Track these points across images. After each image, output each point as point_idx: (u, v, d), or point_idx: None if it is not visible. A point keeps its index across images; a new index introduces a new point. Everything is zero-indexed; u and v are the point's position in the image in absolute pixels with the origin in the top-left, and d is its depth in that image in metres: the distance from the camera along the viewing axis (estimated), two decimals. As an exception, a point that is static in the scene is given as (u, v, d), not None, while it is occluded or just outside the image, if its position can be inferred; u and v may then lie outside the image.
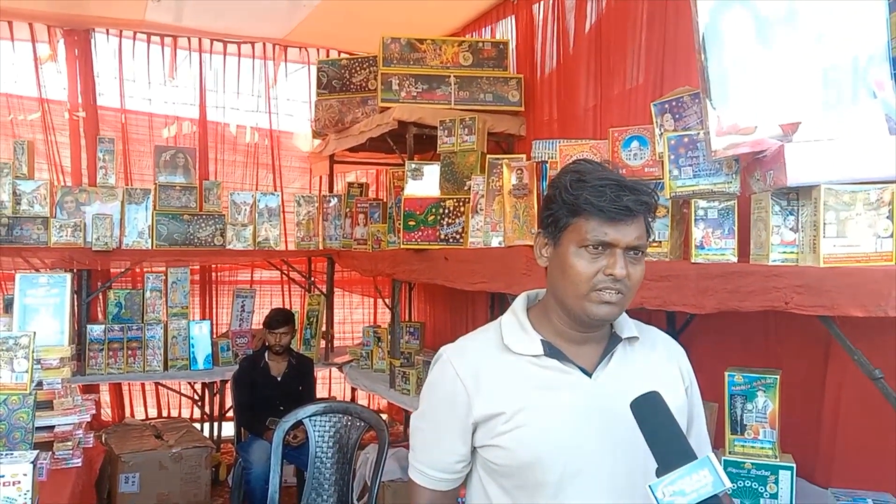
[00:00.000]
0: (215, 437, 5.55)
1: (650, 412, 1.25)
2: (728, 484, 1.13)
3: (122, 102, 6.02)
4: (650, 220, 1.42)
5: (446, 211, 3.84)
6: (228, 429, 5.57)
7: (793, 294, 1.84)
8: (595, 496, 1.38)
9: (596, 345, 1.47)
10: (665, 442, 1.21)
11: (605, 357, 1.46)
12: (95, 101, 5.92)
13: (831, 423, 2.68)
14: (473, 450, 1.49)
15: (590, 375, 1.44)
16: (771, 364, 2.82)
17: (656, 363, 1.51)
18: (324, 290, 6.01)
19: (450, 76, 4.56)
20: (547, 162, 2.97)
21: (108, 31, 5.93)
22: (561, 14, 4.33)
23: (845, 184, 1.80)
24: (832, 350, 2.67)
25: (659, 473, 1.17)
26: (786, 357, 2.82)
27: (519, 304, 1.55)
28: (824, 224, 1.80)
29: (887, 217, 1.79)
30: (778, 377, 2.12)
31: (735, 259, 2.16)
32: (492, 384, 1.44)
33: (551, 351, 1.44)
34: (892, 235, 1.79)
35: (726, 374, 2.18)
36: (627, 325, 1.51)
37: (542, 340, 1.45)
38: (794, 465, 2.10)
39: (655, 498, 1.14)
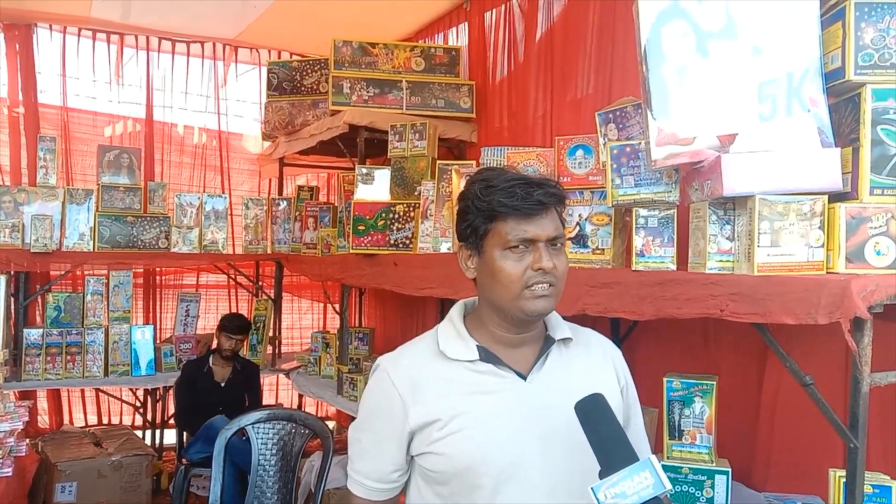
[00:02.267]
0: (157, 445, 5.42)
1: (593, 414, 1.26)
2: (668, 486, 1.14)
3: (64, 100, 5.86)
4: (561, 211, 1.45)
5: (396, 216, 3.83)
6: (171, 436, 5.44)
7: (728, 302, 1.88)
8: (531, 499, 1.38)
9: (530, 348, 1.48)
10: (607, 444, 1.21)
11: (540, 359, 1.47)
12: (36, 99, 5.74)
13: (767, 427, 2.75)
14: (411, 459, 1.48)
15: (525, 378, 1.44)
16: (711, 370, 2.88)
17: (591, 364, 1.53)
18: (272, 294, 5.93)
19: (402, 81, 4.56)
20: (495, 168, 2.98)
21: (51, 26, 5.77)
22: (512, 22, 4.37)
23: (779, 195, 1.85)
24: (769, 357, 2.73)
25: (601, 475, 1.18)
26: (725, 363, 2.88)
27: (455, 311, 1.55)
28: (759, 234, 1.84)
29: (819, 227, 1.84)
30: (714, 383, 2.16)
31: (674, 267, 2.20)
32: (428, 392, 1.43)
33: (486, 356, 1.44)
34: (823, 245, 1.84)
35: (664, 379, 2.21)
36: (560, 327, 1.52)
37: (477, 346, 1.46)
38: (730, 470, 2.14)
39: (597, 500, 1.15)
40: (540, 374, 1.46)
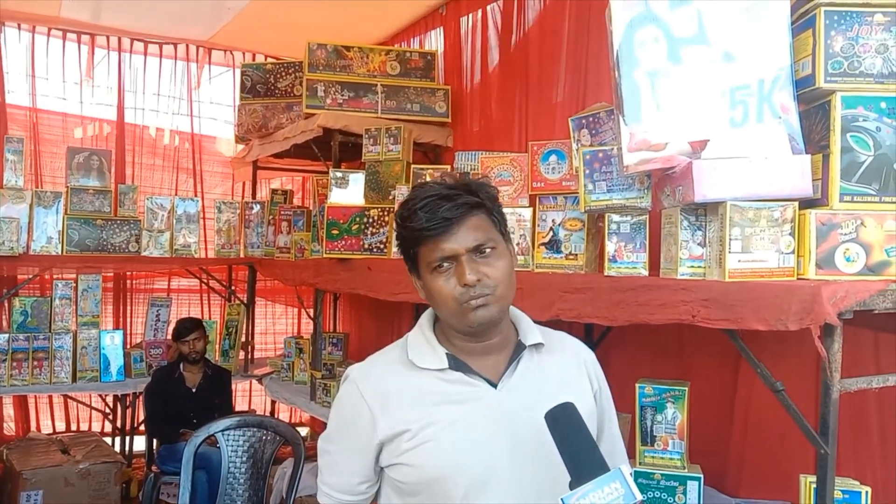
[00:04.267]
0: (127, 452, 5.32)
1: (563, 423, 1.24)
2: (639, 496, 1.13)
3: (33, 101, 5.74)
4: (490, 211, 1.41)
5: (370, 220, 3.80)
6: (141, 443, 5.35)
7: (699, 308, 1.88)
8: None
9: (501, 354, 1.46)
10: (577, 454, 1.20)
11: (511, 366, 1.44)
12: (4, 99, 5.62)
13: (740, 433, 2.76)
14: (380, 470, 1.46)
15: (495, 386, 1.42)
16: (685, 376, 2.88)
17: (564, 369, 1.50)
18: (244, 299, 5.86)
19: (377, 85, 4.53)
20: (469, 173, 2.97)
21: (19, 25, 5.65)
22: (488, 28, 4.37)
23: (750, 201, 1.85)
24: (742, 363, 2.74)
25: (572, 486, 1.16)
26: (698, 369, 2.89)
27: (425, 319, 1.53)
28: (730, 240, 1.84)
29: (789, 234, 1.85)
30: (686, 389, 2.16)
31: (646, 273, 2.20)
32: (397, 402, 1.41)
33: (456, 364, 1.42)
34: (793, 252, 1.85)
35: (637, 385, 2.21)
36: (532, 332, 1.49)
37: (447, 354, 1.43)
38: (702, 476, 2.14)
39: None
40: (511, 381, 1.44)
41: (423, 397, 1.41)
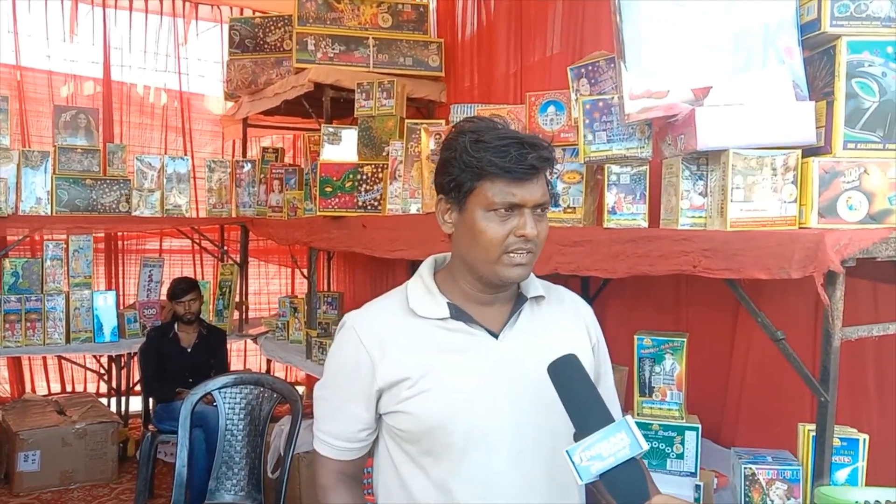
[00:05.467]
0: (123, 412, 5.34)
1: (567, 375, 1.22)
2: (645, 446, 1.12)
3: (17, 59, 5.62)
4: (549, 175, 1.39)
5: (364, 177, 3.75)
6: (136, 403, 5.36)
7: (700, 258, 1.86)
8: (501, 456, 1.35)
9: (503, 305, 1.44)
10: (582, 405, 1.18)
11: (512, 317, 1.43)
12: (-13, 57, 5.51)
13: (737, 385, 2.77)
14: (379, 417, 1.44)
15: (496, 337, 1.41)
16: (682, 328, 2.89)
17: (563, 322, 1.49)
18: (237, 259, 5.83)
19: (368, 38, 4.44)
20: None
21: (0, -19, 5.51)
22: (482, -22, 4.27)
23: (753, 149, 1.82)
24: (740, 315, 2.75)
25: (576, 438, 1.15)
26: (695, 321, 2.89)
27: (425, 268, 1.50)
28: (732, 188, 1.82)
29: (792, 182, 1.82)
30: (685, 340, 2.16)
31: (646, 224, 2.17)
32: (397, 349, 1.39)
33: (457, 313, 1.40)
34: (795, 200, 1.82)
35: (635, 337, 2.20)
36: (533, 285, 1.48)
37: (448, 303, 1.41)
38: (700, 426, 2.15)
39: (573, 462, 1.12)
40: (512, 332, 1.42)
41: (424, 345, 1.39)
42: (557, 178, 2.46)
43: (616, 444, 1.10)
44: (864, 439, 1.80)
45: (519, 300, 1.46)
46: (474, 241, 1.35)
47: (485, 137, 1.33)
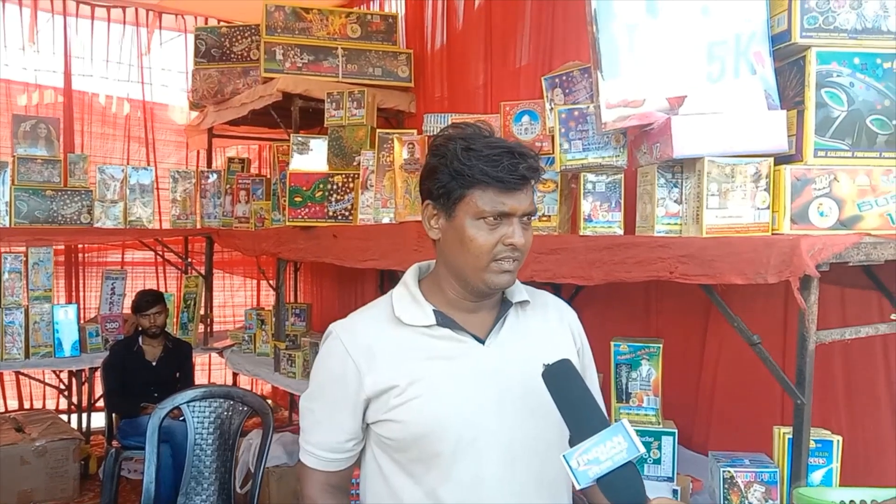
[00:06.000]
0: (84, 429, 5.20)
1: (562, 380, 1.23)
2: (642, 449, 1.12)
3: (-27, 67, 5.49)
4: (535, 185, 1.42)
5: (335, 187, 3.73)
6: (98, 420, 5.24)
7: (677, 264, 1.88)
8: (491, 463, 1.35)
9: (488, 312, 1.45)
10: (578, 410, 1.18)
11: (498, 323, 1.43)
12: (-58, 65, 5.37)
13: (708, 390, 2.81)
14: (366, 427, 1.43)
15: (483, 343, 1.41)
16: (653, 336, 2.92)
17: (548, 326, 1.50)
18: (202, 271, 5.73)
19: (337, 48, 4.43)
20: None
21: (-45, -13, 5.38)
22: (450, -11, 4.29)
23: (727, 157, 1.86)
24: (710, 322, 2.79)
25: (572, 442, 1.15)
26: (666, 329, 2.93)
27: (410, 275, 1.49)
28: (707, 195, 1.85)
29: (765, 189, 1.86)
30: (661, 346, 2.19)
31: (621, 231, 2.20)
32: (384, 358, 1.38)
33: (443, 320, 1.40)
34: (769, 207, 1.86)
35: (612, 343, 2.22)
36: (518, 290, 1.48)
37: (434, 310, 1.41)
38: (676, 431, 2.17)
39: (570, 467, 1.12)
40: (498, 338, 1.43)
41: (411, 353, 1.38)
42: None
43: (613, 447, 1.11)
44: (838, 441, 1.84)
45: (504, 306, 1.46)
46: (463, 248, 1.35)
47: (475, 145, 1.33)
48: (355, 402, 1.40)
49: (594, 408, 1.20)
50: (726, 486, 1.85)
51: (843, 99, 1.85)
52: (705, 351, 2.81)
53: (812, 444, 1.81)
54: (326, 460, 1.45)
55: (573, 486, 1.15)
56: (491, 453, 1.36)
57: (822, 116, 1.84)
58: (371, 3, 5.15)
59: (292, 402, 5.57)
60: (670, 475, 2.15)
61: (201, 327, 5.65)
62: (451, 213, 1.36)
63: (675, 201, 2.00)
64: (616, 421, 1.14)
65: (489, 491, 1.35)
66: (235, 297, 6.61)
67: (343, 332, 1.43)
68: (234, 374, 5.55)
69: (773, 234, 1.85)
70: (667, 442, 2.15)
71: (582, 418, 1.17)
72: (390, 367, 1.37)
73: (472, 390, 1.37)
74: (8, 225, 4.72)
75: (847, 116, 1.85)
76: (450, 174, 1.34)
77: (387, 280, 4.47)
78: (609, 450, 1.11)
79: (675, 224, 2.00)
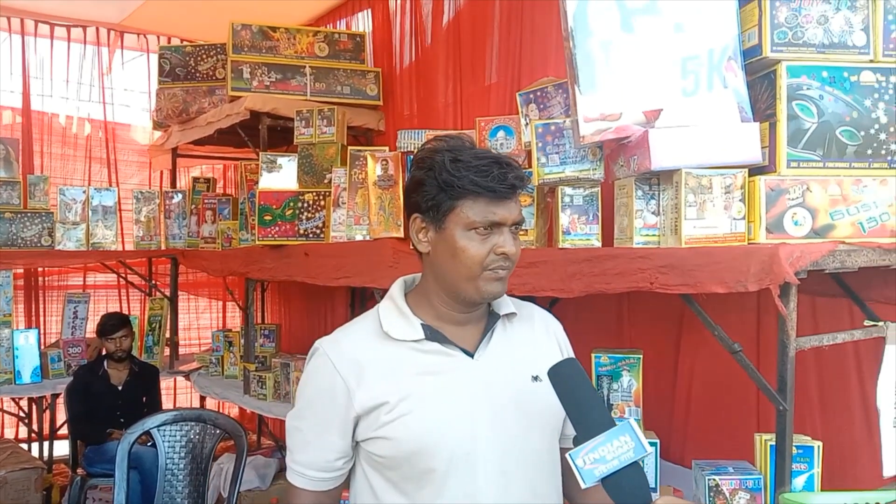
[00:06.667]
0: (46, 458, 5.03)
1: (568, 379, 1.22)
2: (649, 449, 1.12)
3: (-73, 87, 5.34)
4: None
5: (305, 205, 3.70)
6: (60, 448, 5.08)
7: (657, 274, 1.90)
8: (485, 477, 1.34)
9: (476, 325, 1.44)
10: (584, 409, 1.18)
11: (486, 336, 1.43)
12: None
13: (684, 402, 2.83)
14: (356, 445, 1.41)
15: (472, 356, 1.40)
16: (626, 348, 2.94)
17: (535, 337, 1.50)
18: (167, 293, 5.63)
19: (305, 67, 4.42)
20: (412, 153, 2.93)
21: None
22: (417, 9, 4.32)
23: (703, 168, 1.89)
24: (683, 334, 2.82)
25: (578, 441, 1.14)
26: (639, 341, 2.95)
27: (396, 289, 1.48)
28: (685, 206, 1.88)
29: (740, 200, 1.89)
30: (641, 356, 2.20)
31: (599, 244, 2.22)
32: (373, 374, 1.36)
33: (432, 334, 1.39)
34: (744, 217, 1.90)
35: (592, 355, 2.23)
36: (505, 302, 1.48)
37: (422, 324, 1.40)
38: (658, 441, 2.18)
39: (576, 466, 1.11)
40: (487, 350, 1.42)
41: (400, 368, 1.37)
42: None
43: (620, 447, 1.11)
44: (819, 446, 1.87)
45: (491, 318, 1.46)
46: (455, 259, 1.34)
47: (462, 156, 1.33)
48: (345, 420, 1.37)
49: (601, 407, 1.19)
50: (712, 494, 1.86)
51: (814, 111, 1.90)
52: (679, 362, 2.84)
53: (793, 451, 1.83)
54: (315, 480, 1.42)
55: (578, 487, 1.14)
56: (484, 467, 1.35)
57: (794, 128, 1.89)
58: (338, 22, 5.15)
59: (260, 426, 5.48)
60: (653, 486, 2.16)
61: (167, 350, 5.53)
62: (440, 225, 1.36)
63: (653, 213, 2.03)
64: (625, 421, 1.14)
65: (484, 504, 1.34)
66: (201, 320, 6.49)
67: (330, 348, 1.41)
68: (202, 398, 5.44)
69: (749, 243, 1.88)
70: (649, 459, 2.16)
71: (589, 417, 1.16)
72: (380, 383, 1.36)
73: (463, 405, 1.36)
74: (-35, 248, 4.59)
75: (818, 128, 1.90)
76: (438, 186, 1.34)
77: (357, 299, 4.44)
78: (616, 449, 1.11)
79: (654, 235, 2.03)
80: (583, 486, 1.11)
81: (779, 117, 1.90)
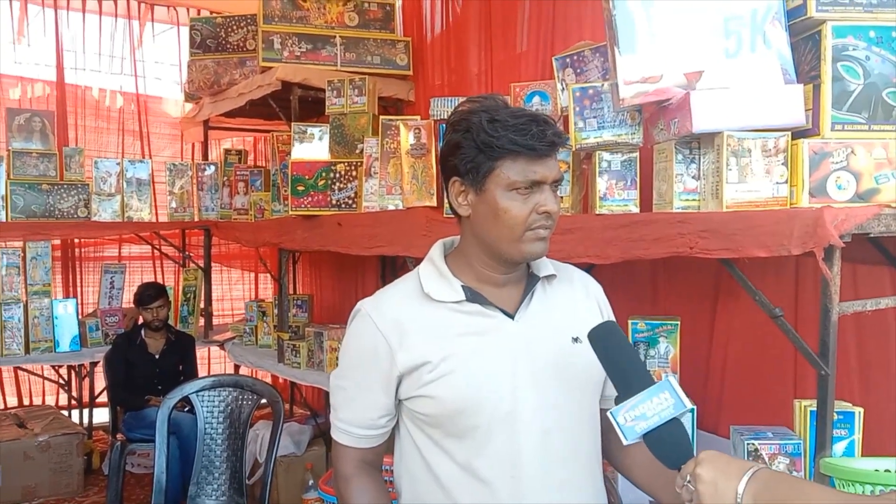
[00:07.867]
0: (86, 424, 5.17)
1: (608, 339, 1.23)
2: (689, 405, 1.13)
3: (-36, 61, 5.42)
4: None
5: (338, 175, 3.71)
6: (101, 415, 5.21)
7: (697, 239, 1.89)
8: (527, 436, 1.35)
9: (516, 286, 1.44)
10: (624, 368, 1.19)
11: (526, 297, 1.43)
12: (-67, 59, 5.30)
13: (719, 371, 2.82)
14: (399, 403, 1.43)
15: (512, 317, 1.40)
16: (660, 315, 2.93)
17: (575, 299, 1.50)
18: (201, 264, 5.70)
19: (335, 37, 4.40)
20: (445, 121, 2.91)
21: (-56, -20, 5.31)
22: (448, -25, 4.27)
23: (745, 131, 1.86)
24: (720, 300, 2.79)
25: (618, 400, 1.15)
26: (675, 308, 2.93)
27: (436, 251, 1.49)
28: (727, 170, 1.85)
29: (783, 164, 1.86)
30: (678, 323, 2.20)
31: (637, 210, 2.20)
32: (414, 335, 1.38)
33: (472, 296, 1.40)
34: (786, 181, 1.87)
35: (629, 321, 2.22)
36: (545, 264, 1.48)
37: (462, 286, 1.40)
38: (695, 408, 2.18)
39: (617, 423, 1.12)
40: (527, 312, 1.43)
41: (442, 329, 1.38)
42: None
43: (660, 403, 1.11)
44: (860, 412, 1.85)
45: (531, 280, 1.46)
46: (497, 220, 1.34)
47: (499, 116, 1.32)
48: (388, 379, 1.39)
49: (640, 365, 1.20)
50: (751, 458, 1.86)
51: (860, 72, 1.85)
52: (715, 330, 2.82)
53: (834, 416, 1.82)
54: (361, 437, 1.44)
55: (620, 443, 1.15)
56: (526, 426, 1.36)
57: (839, 90, 1.85)
58: (367, -9, 5.11)
59: (293, 394, 5.57)
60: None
61: (201, 321, 5.63)
62: (480, 187, 1.35)
63: (693, 177, 2.00)
64: (665, 378, 1.15)
65: (525, 463, 1.35)
66: (233, 291, 6.58)
67: (372, 310, 1.43)
68: (236, 368, 5.53)
69: (791, 207, 1.85)
70: (686, 418, 2.15)
71: (629, 375, 1.17)
72: (422, 343, 1.37)
73: (504, 365, 1.37)
74: (4, 220, 4.68)
75: (863, 90, 1.85)
76: (476, 147, 1.33)
77: (388, 268, 4.47)
78: (656, 406, 1.11)
79: (694, 200, 2.01)
80: (624, 442, 1.12)
81: (823, 79, 1.86)
